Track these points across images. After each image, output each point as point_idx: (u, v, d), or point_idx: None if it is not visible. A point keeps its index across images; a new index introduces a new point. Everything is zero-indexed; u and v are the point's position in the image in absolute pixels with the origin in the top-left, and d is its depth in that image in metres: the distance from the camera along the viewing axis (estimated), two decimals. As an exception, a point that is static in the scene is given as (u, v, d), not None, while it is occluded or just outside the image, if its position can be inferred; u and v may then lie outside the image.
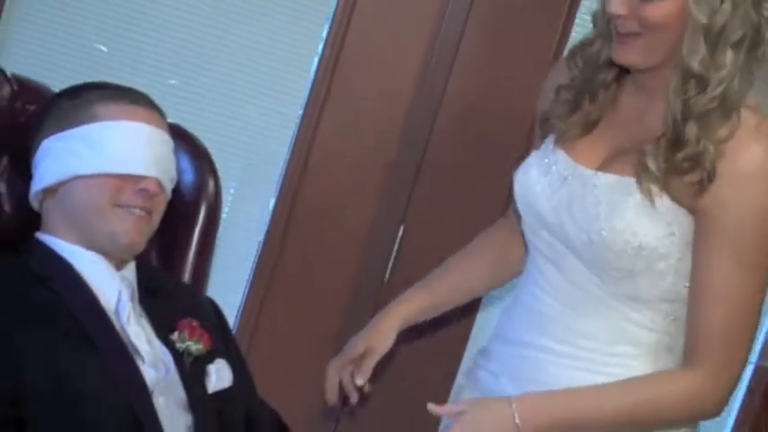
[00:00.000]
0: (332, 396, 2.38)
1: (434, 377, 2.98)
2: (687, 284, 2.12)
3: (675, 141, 2.02)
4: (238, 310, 2.92)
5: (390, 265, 2.92)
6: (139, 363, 2.07)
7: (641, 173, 2.05)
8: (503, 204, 2.87)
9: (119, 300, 2.11)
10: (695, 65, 2.00)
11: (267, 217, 2.92)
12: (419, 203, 2.91)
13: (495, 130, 2.90)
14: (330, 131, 2.86)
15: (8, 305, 2.00)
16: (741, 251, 2.03)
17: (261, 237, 2.90)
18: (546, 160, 2.22)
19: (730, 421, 3.16)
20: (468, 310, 2.96)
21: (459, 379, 2.45)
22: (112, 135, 2.12)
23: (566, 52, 2.28)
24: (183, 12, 2.81)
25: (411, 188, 2.91)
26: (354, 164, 2.89)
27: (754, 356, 2.99)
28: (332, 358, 2.86)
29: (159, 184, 2.15)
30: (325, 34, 2.86)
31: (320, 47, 2.86)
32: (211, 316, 2.29)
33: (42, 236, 2.15)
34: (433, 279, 2.47)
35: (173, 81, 2.79)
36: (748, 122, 2.02)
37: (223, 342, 2.25)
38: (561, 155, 2.19)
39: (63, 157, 2.13)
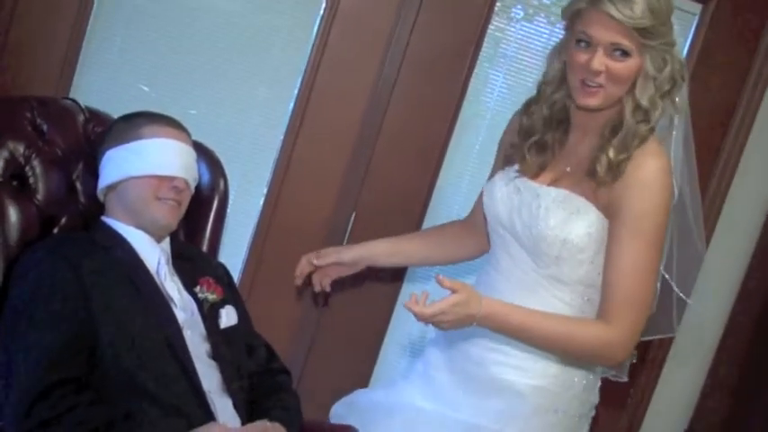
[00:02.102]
0: (299, 278, 2.43)
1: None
2: (599, 274, 2.13)
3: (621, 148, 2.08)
4: (240, 271, 2.90)
5: (345, 239, 2.90)
6: (173, 307, 2.10)
7: (593, 171, 2.09)
8: (422, 197, 2.96)
9: (159, 263, 2.14)
10: (644, 102, 2.07)
11: (259, 207, 2.90)
12: (365, 198, 2.91)
13: (417, 148, 2.92)
14: (303, 148, 2.85)
15: (85, 268, 2.00)
16: (641, 233, 2.05)
17: (255, 220, 2.89)
18: (508, 178, 2.23)
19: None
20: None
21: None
22: (154, 148, 2.14)
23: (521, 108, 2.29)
24: (200, 65, 2.80)
25: (360, 187, 2.90)
26: (320, 170, 2.88)
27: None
28: (302, 307, 2.95)
29: (186, 183, 2.18)
30: (300, 79, 2.83)
31: (296, 91, 2.84)
32: (222, 275, 2.30)
33: (106, 219, 2.17)
34: (401, 239, 2.48)
35: (193, 111, 2.78)
36: (651, 145, 2.09)
37: (231, 293, 2.27)
38: (525, 177, 2.21)
39: (120, 163, 2.14)
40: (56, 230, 2.22)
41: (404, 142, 2.92)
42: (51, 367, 1.89)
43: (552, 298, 2.17)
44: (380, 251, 2.46)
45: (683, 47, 2.94)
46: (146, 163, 2.13)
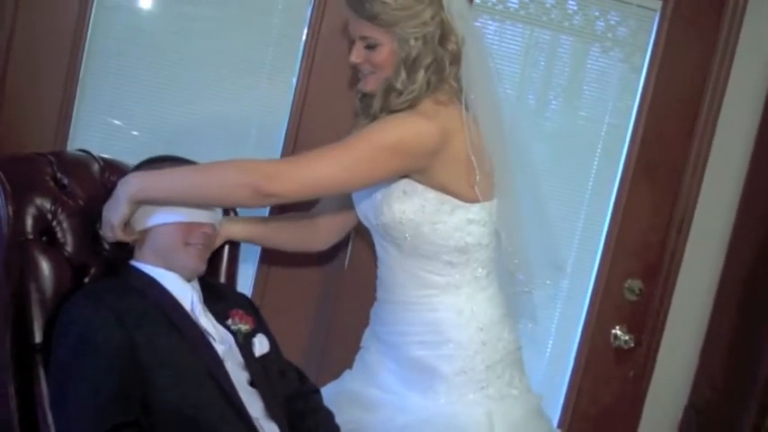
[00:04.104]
0: None
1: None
2: (452, 240, 2.28)
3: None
4: (250, 287, 2.92)
5: (348, 258, 2.94)
6: (212, 341, 2.16)
7: None
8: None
9: (192, 302, 2.19)
10: (398, 84, 2.22)
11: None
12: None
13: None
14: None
15: (125, 313, 2.05)
16: (359, 137, 2.18)
17: (258, 248, 2.90)
18: None
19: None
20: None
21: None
22: None
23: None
24: (190, 109, 2.83)
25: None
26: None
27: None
28: (311, 326, 2.97)
29: (214, 227, 2.26)
30: (288, 110, 2.86)
31: (285, 123, 2.86)
32: (248, 306, 2.36)
33: (135, 263, 2.21)
34: (259, 218, 2.59)
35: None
36: (421, 108, 2.22)
37: (259, 322, 2.33)
38: None
39: (148, 210, 2.18)
40: (87, 279, 2.26)
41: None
42: (108, 413, 1.94)
43: (426, 273, 2.32)
44: (235, 220, 2.54)
45: (648, 42, 3.06)
46: (176, 210, 2.18)
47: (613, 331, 3.14)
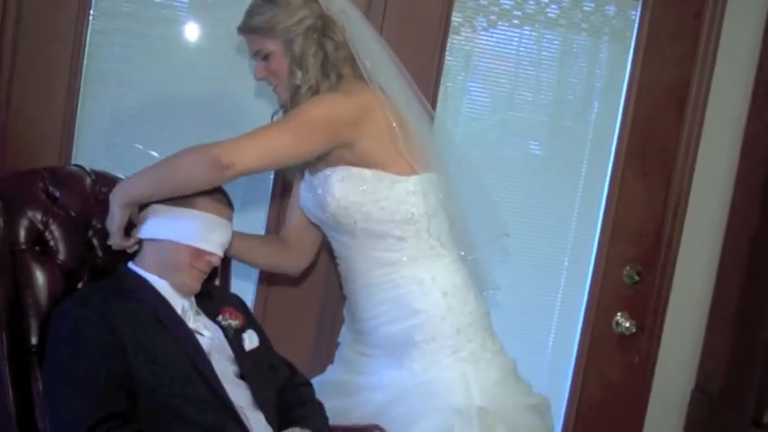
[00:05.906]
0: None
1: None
2: (399, 213, 2.40)
3: None
4: (253, 292, 3.03)
5: None
6: (199, 337, 2.25)
7: None
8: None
9: (183, 308, 2.28)
10: (297, 81, 2.36)
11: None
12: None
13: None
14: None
15: (112, 312, 2.14)
16: (292, 114, 2.33)
17: None
18: (304, 181, 2.52)
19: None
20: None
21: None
22: (202, 222, 2.27)
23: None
24: (187, 122, 2.92)
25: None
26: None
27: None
28: (314, 330, 3.05)
29: (220, 258, 2.33)
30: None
31: None
32: (239, 304, 2.46)
33: (133, 266, 2.30)
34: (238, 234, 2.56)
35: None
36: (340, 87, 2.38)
37: (249, 319, 2.42)
38: (307, 175, 2.51)
39: (166, 223, 2.27)
40: (80, 284, 2.37)
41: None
42: (96, 405, 2.06)
43: (382, 252, 2.44)
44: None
45: (632, 33, 3.10)
46: (191, 234, 2.27)
47: (615, 318, 3.19)
